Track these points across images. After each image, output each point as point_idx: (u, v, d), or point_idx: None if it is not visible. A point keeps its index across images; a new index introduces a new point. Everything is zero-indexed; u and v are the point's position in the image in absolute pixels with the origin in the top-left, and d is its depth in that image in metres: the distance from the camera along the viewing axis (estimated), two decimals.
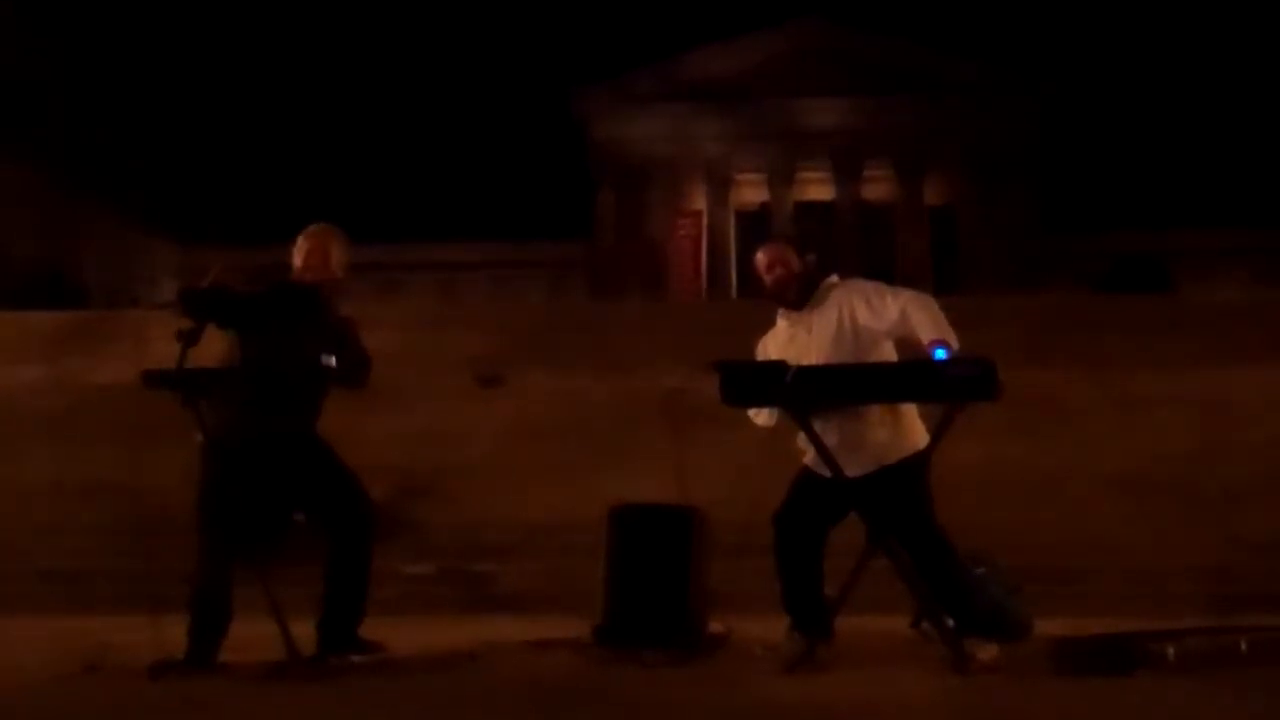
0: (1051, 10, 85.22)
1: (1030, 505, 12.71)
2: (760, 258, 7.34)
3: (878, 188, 52.50)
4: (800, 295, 7.18)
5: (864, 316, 6.98)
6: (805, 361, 6.92)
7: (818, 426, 6.81)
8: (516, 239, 53.60)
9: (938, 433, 6.62)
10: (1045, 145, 53.15)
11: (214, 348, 6.95)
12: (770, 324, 7.38)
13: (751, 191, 53.70)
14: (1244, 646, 6.45)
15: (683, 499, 7.81)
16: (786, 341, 7.18)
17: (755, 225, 52.75)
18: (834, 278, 7.30)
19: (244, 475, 6.84)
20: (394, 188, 76.11)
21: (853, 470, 6.82)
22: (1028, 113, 51.76)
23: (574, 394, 16.57)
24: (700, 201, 53.72)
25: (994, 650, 6.61)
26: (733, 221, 53.66)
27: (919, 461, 6.90)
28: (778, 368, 6.74)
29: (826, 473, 6.84)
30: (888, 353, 7.02)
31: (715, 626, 7.57)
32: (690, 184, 53.76)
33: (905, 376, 6.72)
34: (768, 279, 7.26)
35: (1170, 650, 6.16)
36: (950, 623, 6.74)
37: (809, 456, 7.05)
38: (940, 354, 6.59)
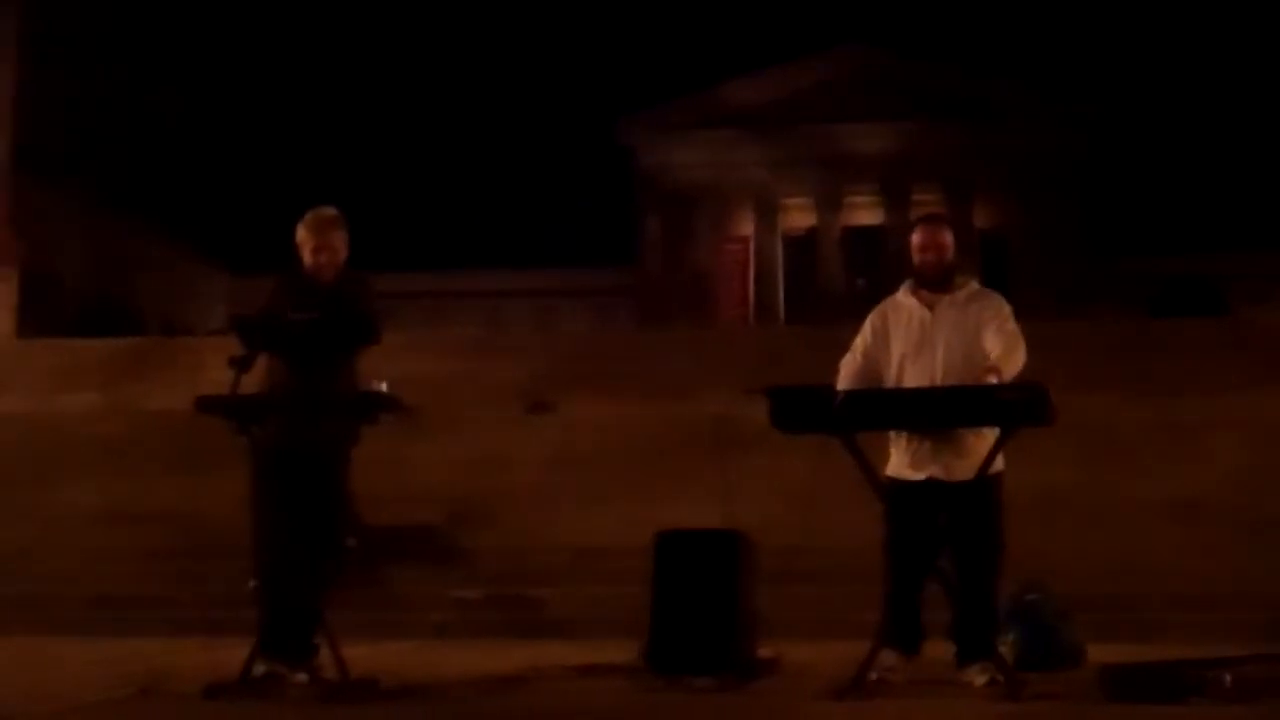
0: (1100, 32, 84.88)
1: (1082, 531, 12.62)
2: (917, 236, 7.29)
3: (926, 211, 52.33)
4: (943, 282, 7.14)
5: (986, 331, 6.98)
6: (930, 346, 6.92)
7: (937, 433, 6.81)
8: (563, 266, 53.69)
9: (990, 457, 6.60)
10: (1095, 167, 52.92)
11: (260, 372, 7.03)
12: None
13: (799, 216, 53.62)
14: None
15: (730, 524, 7.80)
16: (918, 326, 7.08)
17: (803, 250, 52.76)
18: (975, 283, 7.28)
19: (289, 486, 6.93)
20: (441, 217, 76.48)
21: (955, 475, 6.82)
22: (1076, 135, 51.51)
23: (621, 420, 16.56)
24: (747, 227, 53.69)
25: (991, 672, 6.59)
26: (780, 247, 53.58)
27: (1000, 479, 6.94)
28: (827, 391, 6.73)
29: (918, 476, 6.84)
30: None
31: (764, 651, 7.55)
32: (737, 209, 53.75)
33: (957, 401, 6.70)
34: (918, 258, 7.21)
35: (1227, 677, 6.10)
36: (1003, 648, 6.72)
37: (895, 464, 7.03)
38: None
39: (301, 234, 7.34)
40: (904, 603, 6.91)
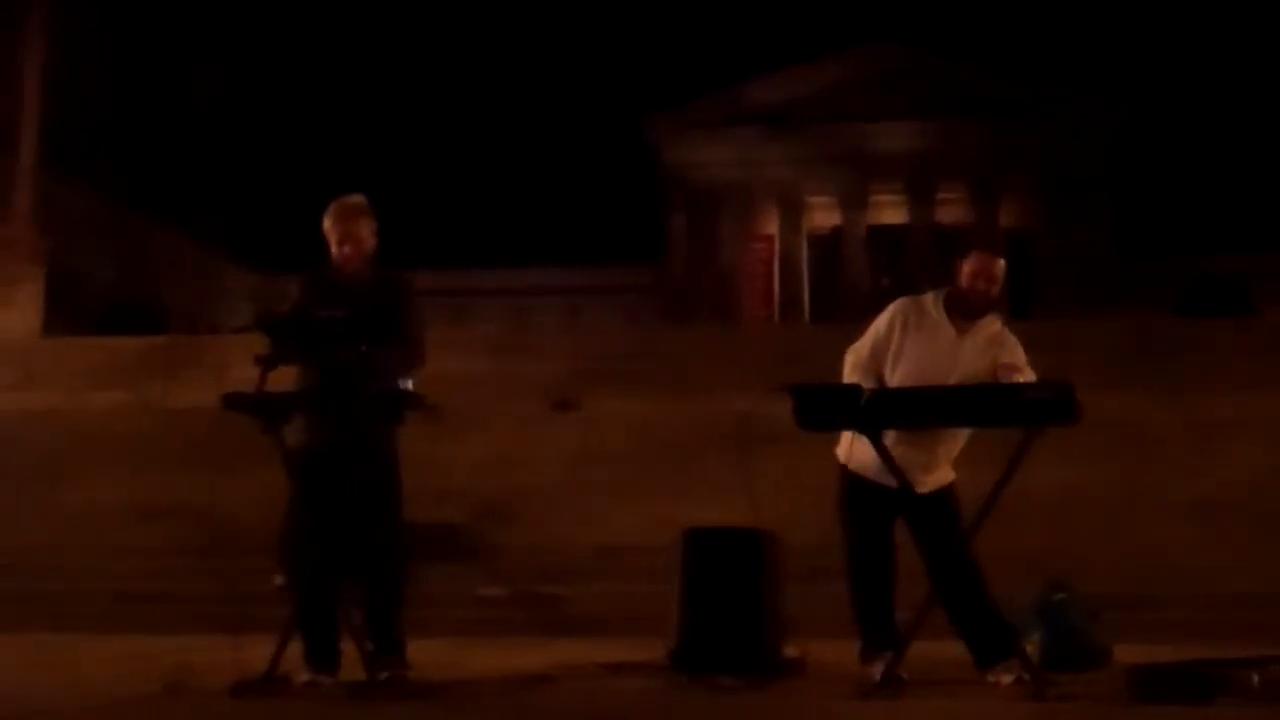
0: (1126, 30, 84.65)
1: (1109, 531, 12.59)
2: (972, 264, 7.13)
3: (952, 210, 52.26)
4: (983, 313, 7.11)
5: (997, 364, 6.97)
6: (943, 371, 6.91)
7: (906, 439, 6.82)
8: (589, 265, 53.73)
9: (1016, 456, 6.56)
10: (1121, 167, 52.88)
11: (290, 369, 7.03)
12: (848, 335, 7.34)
13: (824, 215, 53.61)
14: None
15: (755, 522, 7.78)
16: (933, 337, 7.05)
17: (828, 249, 52.73)
18: (999, 322, 7.19)
19: (325, 485, 6.94)
20: (468, 214, 76.58)
21: (921, 488, 6.87)
22: (1103, 133, 51.40)
23: (646, 418, 16.56)
24: (772, 226, 53.72)
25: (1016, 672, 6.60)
26: (805, 245, 53.56)
27: (954, 488, 7.08)
28: (852, 390, 6.72)
29: (889, 482, 6.85)
30: None
31: (790, 650, 7.53)
32: (762, 208, 53.77)
33: (983, 400, 6.68)
34: (968, 284, 7.08)
35: (1255, 678, 6.06)
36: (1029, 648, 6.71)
37: (860, 463, 7.06)
38: None
39: (327, 224, 7.27)
40: (879, 600, 7.03)
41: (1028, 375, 6.82)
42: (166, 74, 44.35)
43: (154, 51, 43.39)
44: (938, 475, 7.00)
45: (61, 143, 32.54)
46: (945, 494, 7.02)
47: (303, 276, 7.45)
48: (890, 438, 6.81)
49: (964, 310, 7.08)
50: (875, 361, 7.10)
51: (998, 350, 7.02)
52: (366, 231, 7.27)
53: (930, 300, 7.18)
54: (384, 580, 7.06)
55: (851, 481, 7.14)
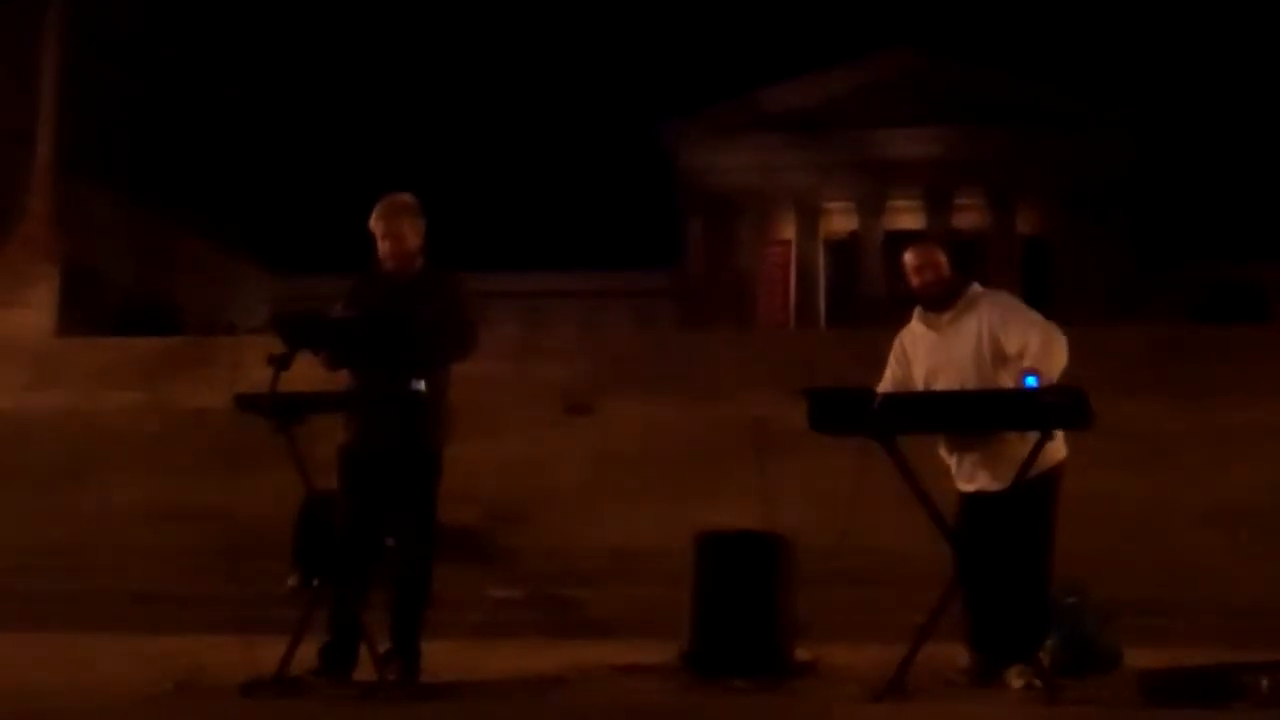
0: (1144, 37, 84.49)
1: (1124, 536, 12.55)
2: (909, 258, 7.30)
3: (969, 217, 52.19)
4: (944, 300, 7.15)
5: (999, 334, 6.96)
6: (944, 373, 6.95)
7: (957, 442, 6.82)
8: (605, 269, 53.73)
9: (1028, 461, 6.56)
10: (1138, 174, 52.62)
11: (311, 372, 7.05)
12: (872, 340, 7.37)
13: (841, 221, 53.58)
14: None
15: (769, 526, 7.79)
16: (930, 349, 7.14)
17: (844, 254, 52.69)
18: (976, 286, 7.26)
19: (358, 485, 6.98)
20: (485, 218, 76.63)
21: (993, 485, 6.84)
22: (1121, 140, 51.24)
23: (662, 422, 16.57)
24: (789, 231, 53.69)
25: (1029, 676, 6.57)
26: (822, 251, 53.54)
27: (1055, 475, 6.93)
28: (865, 394, 6.73)
29: (969, 488, 6.90)
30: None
31: (802, 654, 7.54)
32: (779, 213, 53.74)
33: (997, 405, 6.68)
34: (915, 280, 7.22)
35: (1264, 682, 6.06)
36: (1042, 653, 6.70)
37: (955, 473, 7.09)
38: (1031, 381, 6.55)
39: (372, 222, 7.32)
40: (988, 611, 6.90)
41: (1051, 354, 6.78)
42: (186, 74, 44.41)
43: (174, 51, 43.45)
44: (1004, 471, 6.83)
45: (79, 143, 32.59)
46: (1029, 486, 6.75)
47: (355, 278, 7.49)
48: (944, 444, 6.98)
49: (930, 304, 7.19)
50: (902, 389, 7.20)
51: (995, 323, 7.02)
52: (409, 229, 7.30)
53: (914, 317, 7.31)
54: (410, 583, 7.08)
55: (959, 498, 7.10)
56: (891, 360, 7.33)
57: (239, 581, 11.70)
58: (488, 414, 16.08)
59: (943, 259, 7.23)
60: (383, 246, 7.27)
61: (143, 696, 6.69)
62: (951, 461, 7.09)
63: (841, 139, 51.40)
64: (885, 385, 7.24)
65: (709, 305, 49.33)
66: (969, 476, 7.00)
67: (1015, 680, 6.61)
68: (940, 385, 7.04)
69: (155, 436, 16.81)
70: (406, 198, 7.41)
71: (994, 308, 7.09)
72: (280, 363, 6.78)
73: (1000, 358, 6.93)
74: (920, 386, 7.15)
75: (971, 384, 6.92)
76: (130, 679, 7.40)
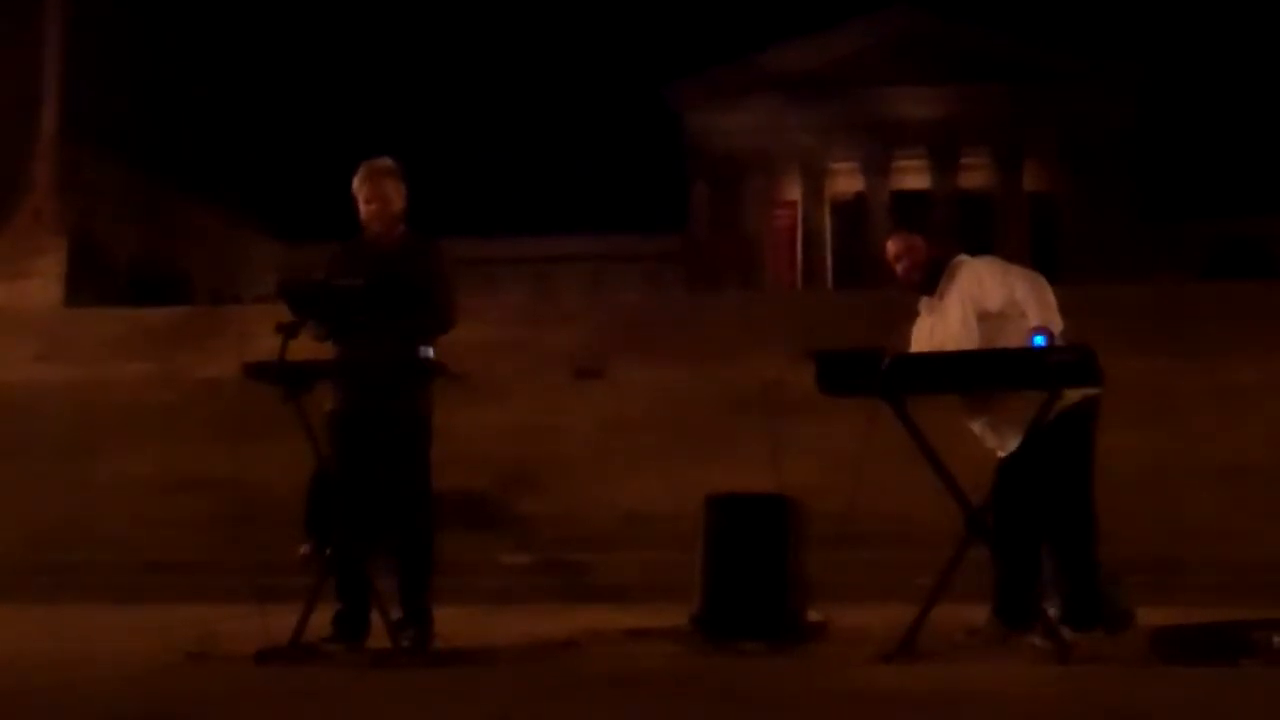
0: None
1: (1132, 495, 12.53)
2: (889, 249, 7.40)
3: (975, 176, 52.08)
4: (929, 281, 7.20)
5: (979, 298, 6.98)
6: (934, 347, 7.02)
7: (968, 407, 6.84)
8: (612, 232, 53.66)
9: (1038, 419, 6.57)
10: (1145, 131, 52.51)
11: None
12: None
13: (847, 181, 53.46)
14: None
15: (779, 488, 7.80)
16: (928, 333, 7.23)
17: (851, 215, 52.61)
18: (962, 257, 7.28)
19: (352, 450, 6.99)
20: (491, 182, 76.50)
21: (1010, 443, 6.88)
22: (1126, 97, 51.10)
23: (670, 386, 16.58)
24: (795, 192, 53.59)
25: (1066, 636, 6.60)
26: (828, 211, 53.47)
27: (1086, 412, 6.97)
28: (874, 355, 6.72)
29: (998, 452, 6.97)
30: (1022, 330, 6.92)
31: (813, 615, 7.55)
32: (785, 175, 53.63)
33: (1005, 364, 6.68)
34: (898, 270, 7.32)
35: (1276, 639, 6.07)
36: (1052, 611, 6.72)
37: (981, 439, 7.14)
38: (1039, 340, 6.56)
39: (355, 185, 7.31)
40: (1012, 574, 6.94)
41: (1044, 311, 6.79)
42: (192, 42, 44.27)
43: (179, 19, 43.30)
44: (1014, 434, 6.90)
45: (84, 112, 32.55)
46: (1053, 429, 6.75)
47: (336, 246, 7.49)
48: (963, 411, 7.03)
49: (918, 288, 7.29)
50: None
51: (971, 288, 7.07)
52: (392, 191, 7.28)
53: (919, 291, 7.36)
54: (410, 549, 7.11)
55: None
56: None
57: (251, 550, 11.75)
58: (497, 379, 16.12)
59: (917, 244, 7.31)
60: (366, 210, 7.26)
61: (158, 666, 6.72)
62: (974, 428, 7.12)
63: (847, 99, 51.27)
64: None
65: (716, 268, 49.31)
66: (990, 440, 7.04)
67: (1038, 640, 6.63)
68: None
69: (165, 407, 16.85)
70: (388, 161, 7.40)
71: (969, 274, 7.14)
72: (288, 331, 6.80)
73: (995, 320, 6.94)
74: None
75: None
76: (144, 649, 7.43)
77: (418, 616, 6.97)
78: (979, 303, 6.99)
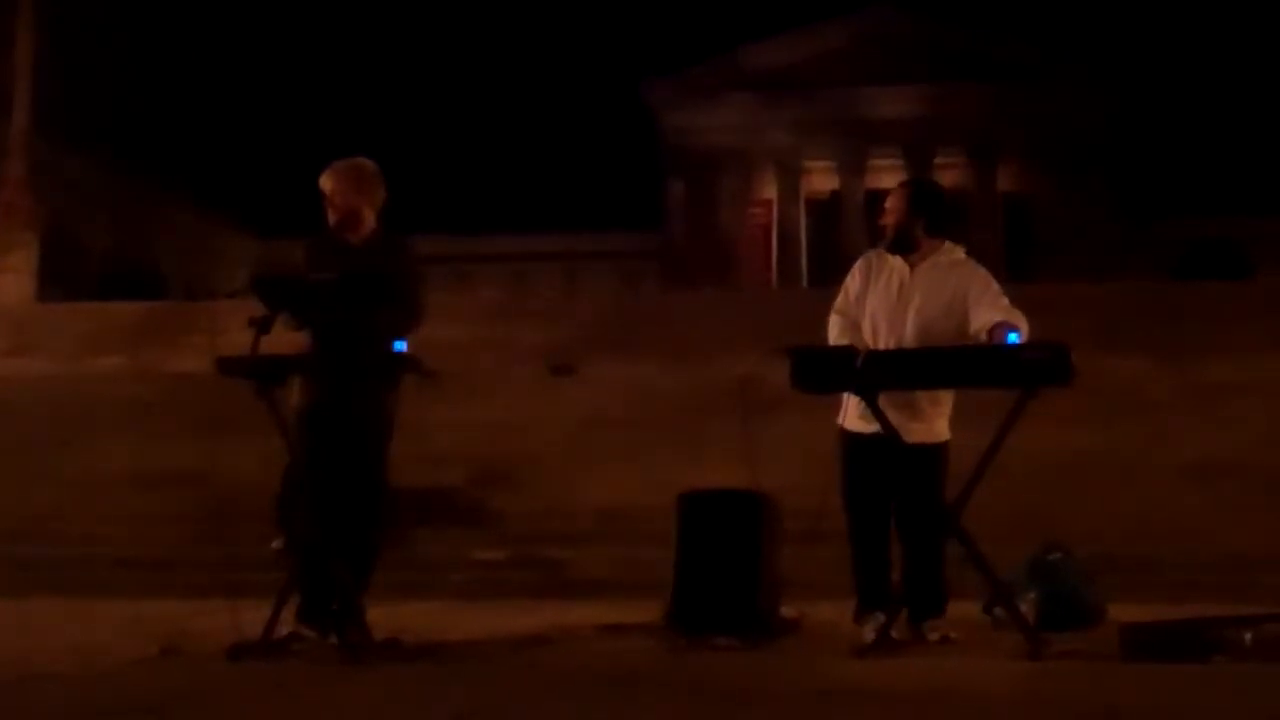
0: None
1: (1106, 493, 12.60)
2: (888, 198, 7.42)
3: (950, 175, 52.09)
4: (899, 244, 7.20)
5: (972, 302, 7.01)
6: (900, 309, 7.04)
7: (893, 395, 6.86)
8: (588, 230, 53.61)
9: (1010, 417, 6.57)
10: (1120, 131, 52.59)
11: (289, 335, 7.04)
12: None
13: (822, 180, 53.54)
14: None
15: (754, 485, 7.80)
16: (888, 279, 7.19)
17: (826, 213, 52.68)
18: (961, 252, 7.29)
19: (320, 445, 6.97)
20: (466, 179, 76.40)
21: (908, 437, 6.91)
22: (1102, 97, 51.26)
23: (645, 383, 16.57)
24: (770, 191, 53.66)
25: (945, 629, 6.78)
26: (803, 210, 53.53)
27: (945, 449, 7.12)
28: (849, 353, 6.74)
29: (870, 429, 6.91)
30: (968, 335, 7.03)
31: (787, 611, 7.57)
32: (760, 173, 53.69)
33: (978, 361, 6.70)
34: (880, 221, 7.35)
35: (1247, 636, 6.09)
36: (1024, 607, 6.75)
37: (850, 419, 7.13)
38: (1013, 337, 6.58)
39: (323, 183, 7.30)
40: (873, 559, 7.09)
41: (1015, 319, 6.81)
42: (164, 37, 44.14)
43: (151, 13, 43.15)
44: (926, 426, 7.04)
45: (57, 107, 32.40)
46: (935, 450, 7.06)
47: (306, 241, 7.47)
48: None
49: (897, 247, 7.24)
50: (853, 315, 7.25)
51: (967, 282, 7.12)
52: (363, 190, 7.27)
53: (885, 248, 7.34)
54: (356, 544, 7.05)
55: (847, 439, 7.18)
56: (846, 292, 7.35)
57: (223, 545, 11.69)
58: (472, 376, 16.07)
59: (899, 203, 7.29)
60: (334, 208, 7.25)
61: (129, 661, 6.69)
62: (854, 401, 7.08)
63: (822, 98, 51.32)
64: (840, 319, 7.28)
65: (691, 266, 49.31)
66: (892, 416, 6.95)
67: (931, 634, 6.78)
68: (891, 323, 7.09)
69: (137, 402, 16.76)
70: (360, 160, 7.40)
71: (972, 276, 7.17)
72: (261, 326, 6.78)
73: (965, 323, 6.99)
74: (868, 322, 7.18)
75: (926, 332, 7.01)
76: (116, 644, 7.40)
77: (349, 611, 6.89)
78: (974, 308, 7.00)
